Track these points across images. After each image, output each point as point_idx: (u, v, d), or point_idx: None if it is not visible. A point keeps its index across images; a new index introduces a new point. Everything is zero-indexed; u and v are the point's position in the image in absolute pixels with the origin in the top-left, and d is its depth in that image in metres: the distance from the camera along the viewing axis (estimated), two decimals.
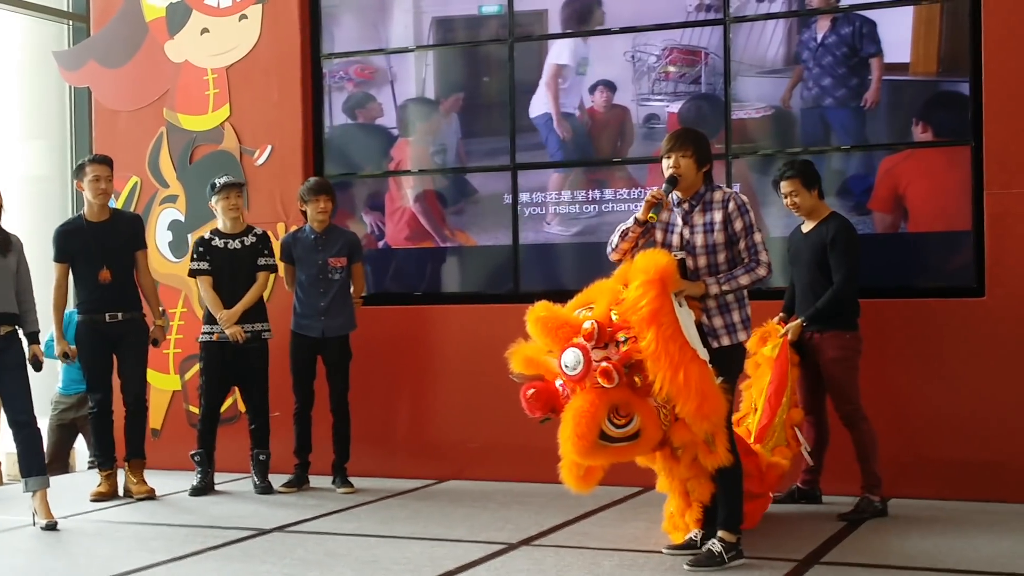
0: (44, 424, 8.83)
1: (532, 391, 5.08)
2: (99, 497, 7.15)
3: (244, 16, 8.19)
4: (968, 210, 6.68)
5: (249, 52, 8.18)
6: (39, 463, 6.39)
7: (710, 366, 5.00)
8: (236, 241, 7.33)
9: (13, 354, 6.35)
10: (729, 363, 5.24)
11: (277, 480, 7.35)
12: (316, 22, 8.13)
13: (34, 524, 6.37)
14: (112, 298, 7.14)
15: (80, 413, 8.38)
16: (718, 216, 5.29)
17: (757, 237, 5.30)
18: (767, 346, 6.31)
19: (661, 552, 5.48)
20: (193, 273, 7.36)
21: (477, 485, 7.33)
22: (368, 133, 8.11)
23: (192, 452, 7.39)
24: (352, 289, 7.38)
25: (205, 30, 8.32)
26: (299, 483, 7.34)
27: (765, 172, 7.12)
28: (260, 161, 8.12)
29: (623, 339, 4.97)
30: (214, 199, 7.35)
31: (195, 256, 7.34)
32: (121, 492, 7.27)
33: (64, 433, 8.61)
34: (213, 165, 8.14)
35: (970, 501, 6.49)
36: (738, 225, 5.28)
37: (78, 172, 7.20)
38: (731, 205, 5.29)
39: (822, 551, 5.47)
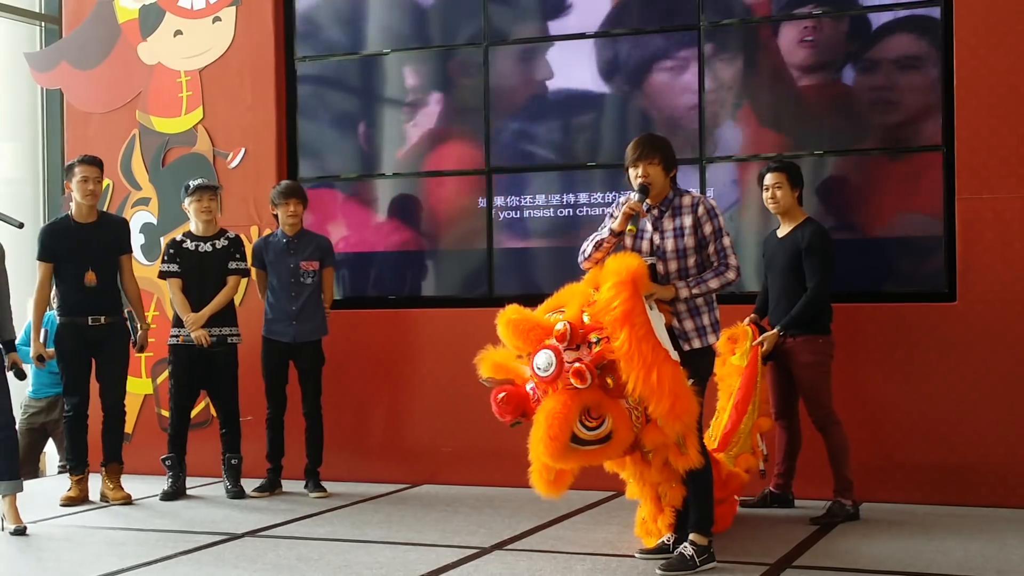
0: None
1: (503, 395, 5.08)
2: (69, 502, 7.10)
3: (218, 18, 8.17)
4: (940, 215, 6.72)
5: (223, 54, 8.16)
6: (13, 467, 6.32)
7: (681, 367, 5.02)
8: (207, 244, 7.30)
9: None
10: (699, 365, 5.27)
11: (249, 485, 7.32)
12: (290, 24, 8.12)
13: (2, 529, 6.32)
14: (96, 301, 7.11)
15: (50, 417, 8.33)
16: (688, 221, 5.32)
17: (726, 241, 5.33)
18: (736, 354, 6.33)
19: (634, 556, 5.49)
20: (163, 275, 7.32)
21: (450, 489, 7.32)
22: (342, 136, 8.09)
23: (163, 456, 7.36)
24: (324, 296, 7.36)
25: (178, 32, 8.29)
26: (271, 488, 7.32)
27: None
28: (233, 164, 8.10)
29: (595, 340, 4.98)
30: (187, 201, 7.33)
31: (165, 258, 7.32)
32: (97, 497, 7.23)
33: (34, 437, 8.55)
34: (186, 168, 8.11)
35: (941, 505, 6.53)
36: (707, 229, 5.31)
37: (67, 172, 7.17)
38: (700, 209, 5.32)
39: (794, 555, 5.48)
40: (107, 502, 7.17)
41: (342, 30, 8.06)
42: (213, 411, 7.63)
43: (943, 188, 6.70)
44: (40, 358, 7.19)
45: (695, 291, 5.26)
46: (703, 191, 7.11)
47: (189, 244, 7.29)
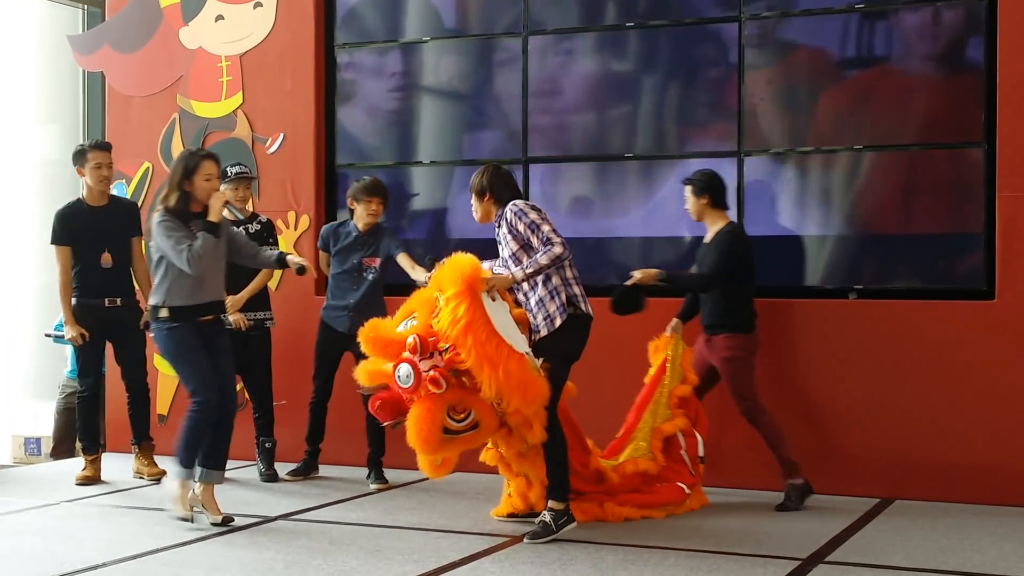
0: (50, 408, 8.93)
1: (379, 403, 5.64)
2: (85, 481, 7.17)
3: (259, 4, 8.20)
4: (980, 212, 6.67)
5: (263, 40, 8.19)
6: (224, 457, 6.14)
7: (528, 354, 5.56)
8: (241, 229, 7.30)
9: (222, 342, 6.18)
10: (553, 348, 5.76)
11: (282, 468, 7.34)
12: (331, 11, 8.14)
13: (192, 520, 6.01)
14: (112, 283, 7.20)
15: None
16: (504, 229, 5.86)
17: (545, 228, 5.75)
18: (652, 367, 6.58)
19: (656, 547, 5.49)
20: None
21: (482, 478, 7.29)
22: (380, 123, 8.11)
23: None
24: (414, 273, 6.92)
25: (220, 17, 8.32)
26: (307, 471, 7.33)
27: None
28: (272, 149, 8.13)
29: (444, 348, 5.48)
30: (224, 187, 7.31)
31: None
32: (132, 476, 7.31)
33: (71, 417, 8.61)
34: (225, 152, 8.09)
35: (975, 504, 6.48)
36: (521, 228, 5.78)
37: (79, 157, 7.22)
38: (508, 216, 5.83)
39: (826, 551, 5.47)
40: (142, 478, 7.24)
41: (382, 17, 8.08)
42: (247, 395, 7.66)
43: (984, 185, 6.65)
44: (82, 336, 7.23)
45: (529, 271, 5.70)
46: (740, 185, 7.09)
47: None
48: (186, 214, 6.02)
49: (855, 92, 6.99)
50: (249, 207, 7.41)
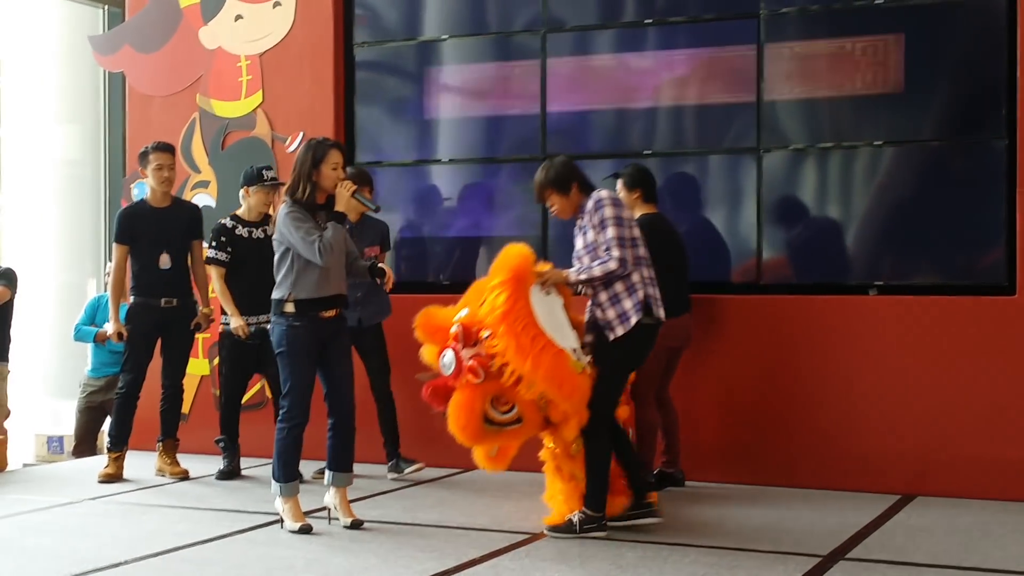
0: (72, 407, 8.97)
1: (431, 390, 5.66)
2: (107, 478, 7.18)
3: (278, 3, 8.22)
4: (1001, 207, 6.64)
5: (283, 39, 8.20)
6: (349, 459, 6.05)
7: (575, 351, 5.49)
8: (259, 230, 7.28)
9: (343, 341, 6.02)
10: (613, 350, 5.61)
11: (309, 467, 7.32)
12: (349, 9, 8.15)
13: (329, 522, 6.03)
14: (169, 283, 7.23)
15: (108, 396, 8.44)
16: (585, 219, 5.69)
17: (610, 232, 5.57)
18: None
19: (681, 544, 5.48)
20: (210, 261, 7.26)
21: (501, 475, 7.29)
22: (399, 121, 8.12)
23: (216, 438, 7.43)
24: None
25: (239, 17, 8.35)
26: None
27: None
28: (291, 148, 8.14)
29: (485, 336, 5.47)
30: (254, 188, 7.26)
31: (214, 245, 7.24)
32: (154, 474, 7.34)
33: (92, 416, 8.70)
34: (245, 151, 8.17)
35: (997, 500, 6.46)
36: (595, 220, 5.63)
37: (142, 159, 7.29)
38: (589, 204, 5.67)
39: (847, 547, 5.46)
40: (164, 475, 7.28)
41: (400, 15, 8.09)
42: (268, 393, 7.68)
43: (1005, 180, 6.62)
44: (120, 335, 7.27)
45: (582, 277, 5.61)
46: (760, 182, 7.07)
47: (241, 230, 7.27)
48: (313, 205, 5.82)
49: (875, 87, 6.96)
50: (271, 211, 7.37)
